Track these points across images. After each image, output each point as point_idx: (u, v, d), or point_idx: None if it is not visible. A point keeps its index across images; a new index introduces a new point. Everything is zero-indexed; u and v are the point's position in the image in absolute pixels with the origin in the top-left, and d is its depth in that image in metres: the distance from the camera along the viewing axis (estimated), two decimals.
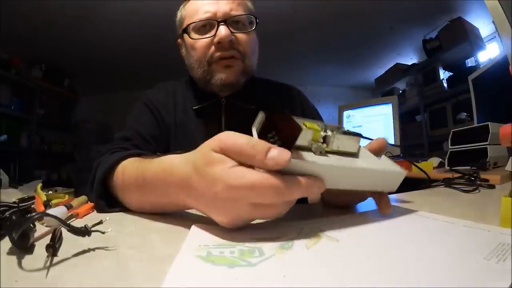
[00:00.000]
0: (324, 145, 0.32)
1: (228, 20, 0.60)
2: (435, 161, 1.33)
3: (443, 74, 2.51)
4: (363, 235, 0.29)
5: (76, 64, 2.92)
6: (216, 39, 0.59)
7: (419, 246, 0.25)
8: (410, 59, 3.05)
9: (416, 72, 2.79)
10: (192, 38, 0.62)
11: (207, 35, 0.61)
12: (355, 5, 2.21)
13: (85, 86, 3.43)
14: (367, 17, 2.36)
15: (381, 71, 3.29)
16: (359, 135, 0.34)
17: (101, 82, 3.43)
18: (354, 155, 0.34)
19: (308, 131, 0.29)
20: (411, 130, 2.82)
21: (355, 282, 0.19)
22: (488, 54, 2.28)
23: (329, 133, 0.32)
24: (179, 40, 0.70)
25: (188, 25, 0.62)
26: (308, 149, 0.30)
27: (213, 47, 0.61)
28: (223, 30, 0.59)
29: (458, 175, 0.62)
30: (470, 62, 2.45)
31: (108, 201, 0.46)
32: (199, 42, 0.62)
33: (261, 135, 0.29)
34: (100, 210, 0.45)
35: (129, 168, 0.44)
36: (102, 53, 2.72)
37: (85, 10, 2.10)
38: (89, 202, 0.48)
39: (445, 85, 2.47)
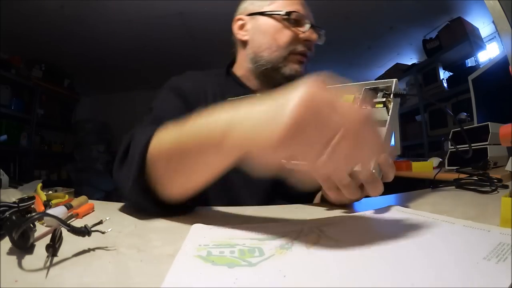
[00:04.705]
0: None
1: (314, 26, 0.68)
2: (435, 161, 1.33)
3: (443, 74, 2.51)
4: (363, 235, 0.29)
5: (76, 64, 2.92)
6: (307, 36, 0.66)
7: (419, 246, 0.25)
8: (410, 59, 3.05)
9: (416, 72, 2.79)
10: (286, 27, 0.66)
11: (301, 29, 0.66)
12: (355, 5, 2.21)
13: (85, 86, 3.42)
14: (367, 17, 2.36)
15: (381, 71, 3.28)
16: (385, 107, 0.42)
17: (101, 82, 3.43)
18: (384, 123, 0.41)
19: None
20: (411, 130, 2.82)
21: (355, 282, 0.19)
22: (488, 54, 2.27)
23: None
24: (241, 16, 0.72)
25: (290, 12, 0.65)
26: None
27: (299, 41, 0.66)
28: (314, 33, 0.67)
29: (464, 175, 0.60)
30: (470, 62, 2.44)
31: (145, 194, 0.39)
32: (288, 31, 0.66)
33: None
34: (134, 198, 0.39)
35: (164, 132, 0.39)
36: (102, 53, 2.72)
37: (85, 10, 2.10)
38: (116, 185, 0.41)
39: (445, 85, 2.47)
